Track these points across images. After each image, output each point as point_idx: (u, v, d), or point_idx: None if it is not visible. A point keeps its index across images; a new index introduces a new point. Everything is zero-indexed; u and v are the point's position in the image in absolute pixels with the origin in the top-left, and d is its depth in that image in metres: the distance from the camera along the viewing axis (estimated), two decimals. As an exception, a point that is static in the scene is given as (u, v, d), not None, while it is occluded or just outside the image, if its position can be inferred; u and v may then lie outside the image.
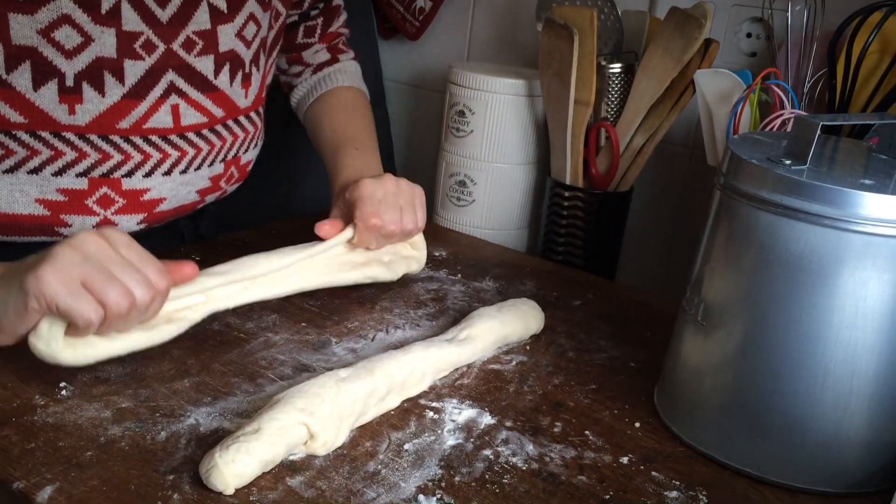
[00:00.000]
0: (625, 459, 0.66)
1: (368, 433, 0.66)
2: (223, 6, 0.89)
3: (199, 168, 0.91)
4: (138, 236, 0.92)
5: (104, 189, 0.85)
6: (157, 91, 0.85)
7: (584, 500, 0.61)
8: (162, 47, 0.84)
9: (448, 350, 0.75)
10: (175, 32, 0.85)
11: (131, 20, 0.81)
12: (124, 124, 0.84)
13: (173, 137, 0.87)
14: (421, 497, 0.59)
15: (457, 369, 0.77)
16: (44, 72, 0.78)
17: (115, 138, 0.84)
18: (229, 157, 0.95)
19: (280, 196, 1.40)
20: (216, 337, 0.79)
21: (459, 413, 0.70)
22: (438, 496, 0.59)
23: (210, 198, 0.97)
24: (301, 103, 1.13)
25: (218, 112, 0.91)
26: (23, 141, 0.80)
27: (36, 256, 0.65)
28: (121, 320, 0.66)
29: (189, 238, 1.04)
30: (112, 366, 0.71)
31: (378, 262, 0.90)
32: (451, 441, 0.66)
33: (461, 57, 1.39)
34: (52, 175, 0.82)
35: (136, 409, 0.66)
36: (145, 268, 0.67)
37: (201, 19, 0.87)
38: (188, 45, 0.86)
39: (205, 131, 0.90)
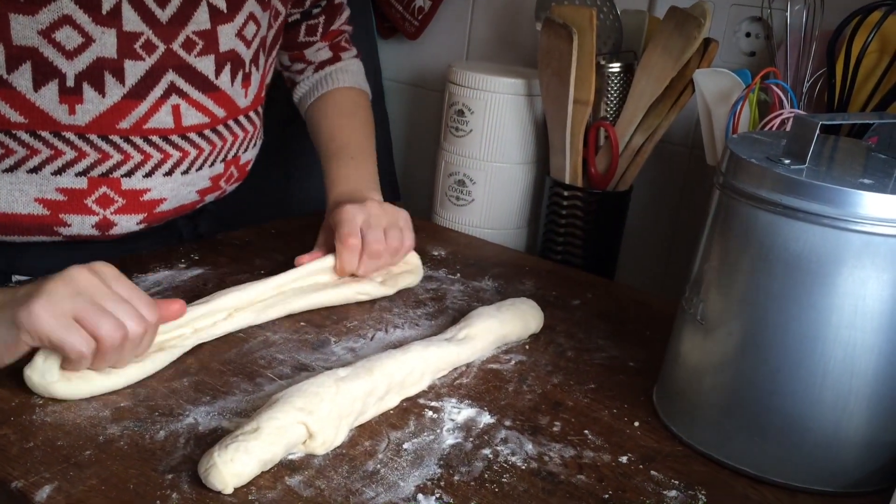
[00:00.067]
0: (624, 459, 0.66)
1: (367, 432, 0.66)
2: (223, 6, 0.89)
3: (199, 168, 0.91)
4: (137, 236, 0.92)
5: (103, 189, 0.85)
6: (158, 91, 0.85)
7: (584, 500, 0.61)
8: (162, 47, 0.84)
9: (447, 349, 0.75)
10: (175, 32, 0.85)
11: (131, 20, 0.81)
12: (124, 124, 0.84)
13: (174, 138, 0.87)
14: (420, 496, 0.59)
15: (456, 369, 0.77)
16: (44, 72, 0.78)
17: (115, 138, 0.84)
18: (229, 156, 0.95)
19: (279, 195, 1.40)
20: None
21: (458, 412, 0.70)
22: (437, 495, 0.59)
23: (210, 197, 0.97)
24: (303, 100, 1.13)
25: (219, 112, 0.91)
26: (22, 140, 0.80)
27: (27, 288, 0.65)
28: (114, 353, 0.66)
29: (188, 237, 1.04)
30: (111, 365, 0.71)
31: (370, 281, 0.88)
32: (450, 440, 0.66)
33: (460, 56, 1.39)
34: (52, 174, 0.82)
35: (135, 408, 0.66)
36: (136, 302, 0.67)
37: (201, 19, 0.87)
38: (188, 45, 0.86)
39: (206, 131, 0.90)
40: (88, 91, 0.81)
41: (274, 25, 0.99)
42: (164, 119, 0.86)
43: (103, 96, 0.82)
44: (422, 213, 1.22)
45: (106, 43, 0.80)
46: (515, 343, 0.83)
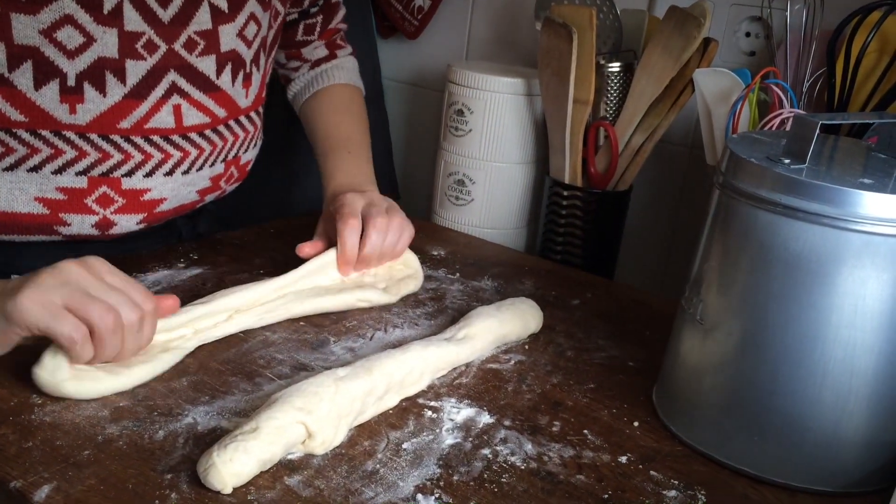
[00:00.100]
0: (623, 459, 0.66)
1: (367, 432, 0.66)
2: (224, 6, 0.89)
3: (200, 168, 0.91)
4: (136, 235, 0.92)
5: (104, 188, 0.85)
6: (159, 91, 0.85)
7: (583, 500, 0.61)
8: (163, 47, 0.84)
9: (447, 349, 0.75)
10: (176, 32, 0.85)
11: (133, 20, 0.81)
12: (125, 124, 0.84)
13: (175, 138, 0.87)
14: (419, 496, 0.59)
15: (455, 368, 0.77)
16: (45, 71, 0.78)
17: (116, 138, 0.84)
18: (230, 157, 0.95)
19: (279, 195, 1.40)
20: (214, 336, 0.79)
21: (458, 412, 0.70)
22: (437, 495, 0.59)
23: (209, 197, 0.97)
24: (297, 97, 1.13)
25: (220, 112, 0.91)
26: (23, 139, 0.80)
27: (18, 281, 0.65)
28: (111, 339, 0.65)
29: (187, 237, 1.04)
30: (110, 365, 0.71)
31: (373, 287, 0.88)
32: (449, 440, 0.66)
33: (460, 56, 1.39)
34: (52, 173, 0.82)
35: (134, 408, 0.66)
36: (129, 290, 0.67)
37: (202, 19, 0.87)
38: (189, 45, 0.86)
39: (207, 131, 0.90)
40: (89, 90, 0.81)
41: (274, 25, 0.99)
42: (165, 119, 0.86)
43: (104, 96, 0.82)
44: (421, 213, 1.23)
45: (107, 43, 0.80)
46: (515, 343, 0.83)
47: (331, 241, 0.90)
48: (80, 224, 0.85)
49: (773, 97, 0.91)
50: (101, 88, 0.81)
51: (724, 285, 0.66)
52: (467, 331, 0.79)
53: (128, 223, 0.88)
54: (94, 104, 0.81)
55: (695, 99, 0.99)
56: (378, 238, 0.87)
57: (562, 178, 1.10)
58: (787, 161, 0.63)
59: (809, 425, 0.63)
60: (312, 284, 0.86)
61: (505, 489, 0.61)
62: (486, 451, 0.65)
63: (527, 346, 0.83)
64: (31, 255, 0.88)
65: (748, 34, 1.09)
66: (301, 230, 1.06)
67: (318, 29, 1.11)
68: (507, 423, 0.69)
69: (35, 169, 0.81)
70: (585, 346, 0.85)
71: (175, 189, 0.90)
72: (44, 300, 0.63)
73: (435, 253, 1.05)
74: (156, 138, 0.86)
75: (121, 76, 0.82)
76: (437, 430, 0.67)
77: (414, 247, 0.94)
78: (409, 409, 0.70)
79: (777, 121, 0.88)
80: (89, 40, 0.79)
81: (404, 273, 0.92)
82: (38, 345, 0.69)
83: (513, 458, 0.65)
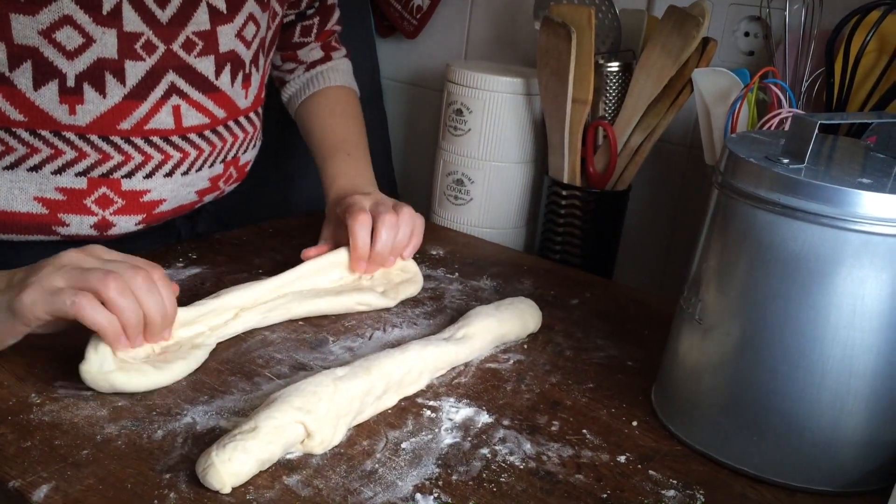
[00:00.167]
0: (622, 458, 0.66)
1: (365, 432, 0.66)
2: (223, 7, 0.88)
3: (199, 169, 0.91)
4: (135, 236, 0.92)
5: (103, 189, 0.85)
6: (158, 92, 0.85)
7: (582, 499, 0.61)
8: (162, 48, 0.84)
9: (445, 349, 0.75)
10: (175, 33, 0.85)
11: (132, 21, 0.81)
12: (125, 125, 0.84)
13: (175, 138, 0.87)
14: (418, 496, 0.59)
15: (454, 368, 0.77)
16: (44, 72, 0.78)
17: (116, 139, 0.84)
18: (229, 157, 0.95)
19: (278, 195, 1.40)
20: (213, 335, 0.79)
21: (457, 412, 0.70)
22: (436, 495, 0.59)
23: (208, 198, 0.97)
24: (292, 99, 1.13)
25: (219, 113, 0.91)
26: (23, 139, 0.80)
27: (22, 273, 0.66)
28: (122, 300, 0.65)
29: (186, 237, 1.04)
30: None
31: (372, 290, 0.88)
32: (448, 440, 0.66)
33: (459, 55, 1.39)
34: (52, 173, 0.82)
35: (133, 407, 0.66)
36: (128, 259, 0.69)
37: (201, 20, 0.86)
38: (188, 45, 0.86)
39: (206, 132, 0.90)
40: (89, 91, 0.81)
41: (272, 26, 0.99)
42: (164, 120, 0.86)
43: (104, 97, 0.81)
44: (420, 213, 1.22)
45: (106, 43, 0.80)
46: (514, 342, 0.83)
47: (336, 245, 0.90)
48: (79, 224, 0.85)
49: (771, 97, 0.91)
50: (101, 89, 0.81)
51: (723, 285, 0.66)
52: (466, 330, 0.79)
53: (127, 224, 0.88)
54: (93, 105, 0.81)
55: (693, 98, 0.99)
56: (389, 235, 0.87)
57: (561, 178, 1.10)
58: (785, 161, 0.63)
59: (808, 425, 0.63)
60: (311, 286, 0.86)
61: (504, 489, 0.61)
62: (484, 451, 0.65)
63: (525, 346, 0.83)
64: (29, 255, 0.88)
65: (747, 34, 1.09)
66: (299, 230, 1.06)
67: (314, 30, 1.11)
68: (505, 422, 0.69)
69: (35, 169, 0.81)
70: (584, 345, 0.85)
71: (174, 190, 0.90)
72: (45, 287, 0.64)
73: (434, 252, 1.05)
74: (156, 139, 0.86)
75: (120, 77, 0.82)
76: (436, 430, 0.67)
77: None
78: (407, 409, 0.70)
79: (776, 120, 0.88)
80: (88, 41, 0.79)
81: (402, 277, 0.92)
82: (39, 342, 0.69)
83: (511, 458, 0.65)
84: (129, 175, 0.85)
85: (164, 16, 0.83)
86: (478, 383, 0.75)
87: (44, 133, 0.80)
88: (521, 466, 0.64)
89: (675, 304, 0.73)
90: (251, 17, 0.92)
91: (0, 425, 0.62)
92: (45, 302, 0.63)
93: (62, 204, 0.84)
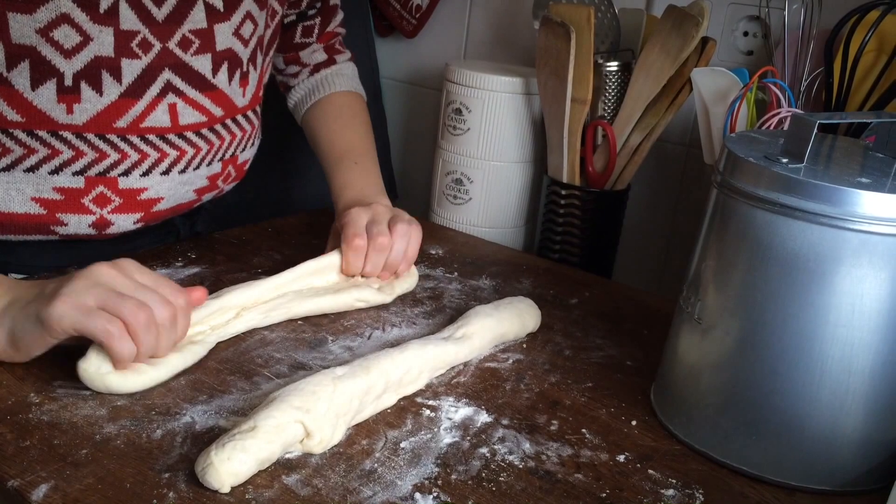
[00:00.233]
0: (621, 458, 0.66)
1: (365, 431, 0.66)
2: (219, 5, 0.88)
3: (197, 167, 0.91)
4: (134, 235, 0.92)
5: (100, 188, 0.85)
6: (154, 90, 0.85)
7: (581, 499, 0.61)
8: (158, 46, 0.84)
9: (445, 348, 0.75)
10: (171, 31, 0.84)
11: (128, 19, 0.81)
12: (122, 123, 0.84)
13: (171, 137, 0.87)
14: (417, 495, 0.59)
15: (453, 367, 0.77)
16: (42, 71, 0.78)
17: (113, 137, 0.83)
18: (227, 156, 0.95)
19: (277, 195, 1.40)
20: (212, 335, 0.79)
21: (456, 411, 0.70)
22: (435, 494, 0.59)
23: (207, 197, 0.97)
24: (298, 105, 1.13)
25: (217, 111, 0.91)
26: (19, 139, 0.80)
27: (53, 285, 0.66)
28: (147, 335, 0.66)
29: (185, 236, 1.04)
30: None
31: (368, 287, 0.88)
32: (447, 439, 0.66)
33: (458, 55, 1.39)
34: (49, 173, 0.82)
35: (132, 406, 0.66)
36: (161, 288, 0.69)
37: (197, 18, 0.86)
38: (184, 43, 0.86)
39: (203, 130, 0.90)
40: (86, 90, 0.81)
41: (271, 25, 0.99)
42: (160, 118, 0.86)
43: (101, 95, 0.81)
44: (419, 212, 1.22)
45: (104, 42, 0.80)
46: (513, 342, 0.83)
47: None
48: (77, 224, 0.85)
49: (770, 96, 0.91)
50: (98, 88, 0.81)
51: (722, 284, 0.66)
52: (465, 330, 0.79)
53: (125, 223, 0.88)
54: (90, 104, 0.81)
55: (693, 98, 0.99)
56: (378, 258, 0.88)
57: (560, 178, 1.10)
58: (784, 160, 0.63)
59: (807, 424, 0.63)
60: (309, 286, 0.86)
61: (503, 488, 0.61)
62: (484, 450, 0.65)
63: (525, 345, 0.83)
64: (28, 254, 0.88)
65: (746, 33, 1.09)
66: (299, 229, 1.06)
67: (316, 31, 1.11)
68: (505, 422, 0.69)
69: (32, 169, 0.81)
70: (583, 345, 0.85)
71: (172, 188, 0.90)
72: (76, 303, 0.64)
73: (433, 252, 1.05)
74: (152, 137, 0.86)
75: (117, 75, 0.82)
76: (435, 429, 0.67)
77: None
78: (407, 409, 0.70)
79: (775, 120, 0.88)
80: (86, 39, 0.79)
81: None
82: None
83: (511, 457, 0.65)
84: (126, 173, 0.85)
85: (160, 14, 0.83)
86: (477, 383, 0.75)
87: (41, 133, 0.80)
88: (521, 466, 0.64)
89: (674, 304, 0.73)
90: (249, 16, 0.92)
91: (-1, 425, 0.62)
92: (74, 319, 0.64)
93: (60, 203, 0.84)
